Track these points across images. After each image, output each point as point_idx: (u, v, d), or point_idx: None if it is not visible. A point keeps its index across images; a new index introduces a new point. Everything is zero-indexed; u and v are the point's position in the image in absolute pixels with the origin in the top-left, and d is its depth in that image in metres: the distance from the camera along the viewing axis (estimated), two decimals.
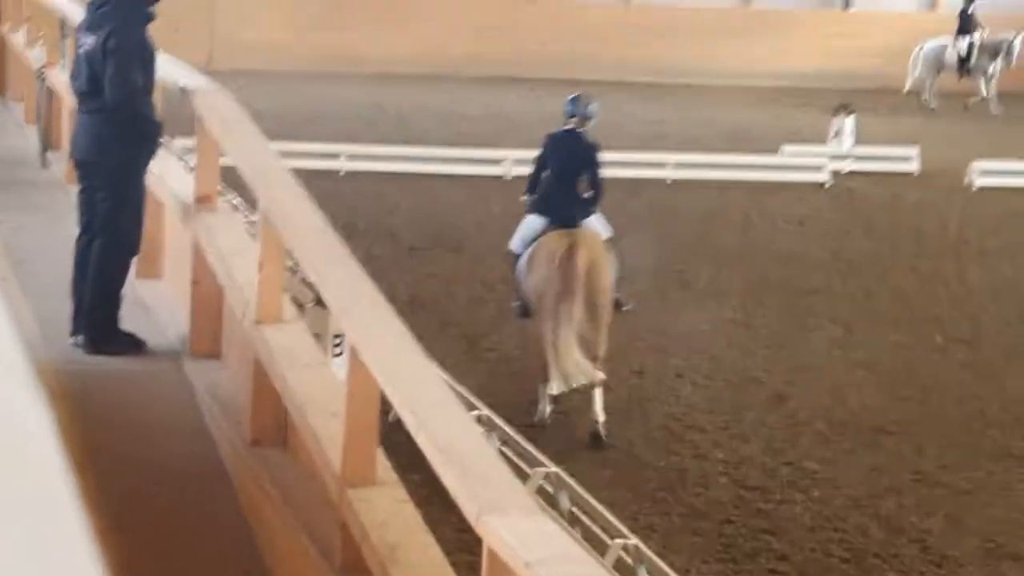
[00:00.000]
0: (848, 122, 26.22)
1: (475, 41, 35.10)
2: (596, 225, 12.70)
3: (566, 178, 12.62)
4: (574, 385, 11.93)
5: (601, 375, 12.02)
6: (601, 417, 12.06)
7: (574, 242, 12.09)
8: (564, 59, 35.56)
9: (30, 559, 1.21)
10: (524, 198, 13.18)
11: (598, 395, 12.12)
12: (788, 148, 25.52)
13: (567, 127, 12.96)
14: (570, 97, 13.29)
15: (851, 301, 16.91)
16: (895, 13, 38.17)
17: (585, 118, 12.90)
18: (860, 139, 26.77)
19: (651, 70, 35.70)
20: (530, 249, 12.39)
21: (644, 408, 12.95)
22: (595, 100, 13.16)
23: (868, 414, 13.16)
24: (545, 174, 12.82)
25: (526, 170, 22.65)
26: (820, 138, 27.15)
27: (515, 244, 12.80)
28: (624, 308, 13.03)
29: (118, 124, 8.97)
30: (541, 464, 10.56)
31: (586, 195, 12.66)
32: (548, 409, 12.31)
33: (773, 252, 19.03)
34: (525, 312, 12.70)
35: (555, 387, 12.00)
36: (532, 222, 12.60)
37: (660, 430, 12.45)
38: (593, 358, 12.04)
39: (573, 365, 11.84)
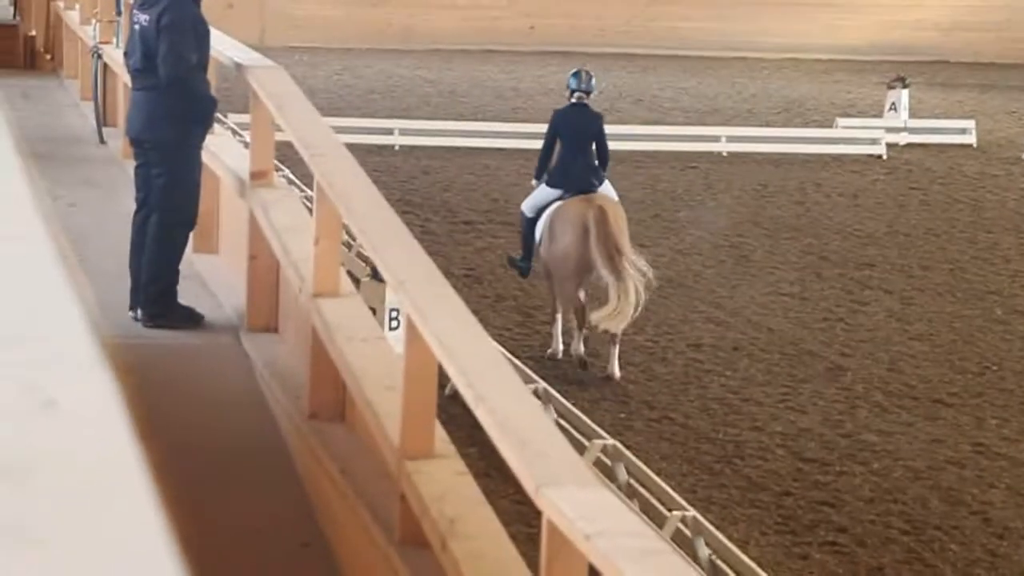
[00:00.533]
0: (903, 95, 26.02)
1: (529, 15, 35.03)
2: (609, 190, 13.33)
3: (578, 148, 13.30)
4: (628, 319, 12.51)
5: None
6: (618, 374, 12.69)
7: (603, 209, 12.66)
8: (617, 33, 35.48)
9: (100, 531, 1.21)
10: (533, 182, 13.90)
11: (615, 352, 12.76)
12: (843, 121, 25.36)
13: (573, 101, 13.67)
14: (572, 72, 14.02)
15: (908, 274, 16.81)
16: None
17: (588, 92, 13.64)
18: (916, 112, 26.58)
19: (704, 44, 35.55)
20: (550, 214, 12.96)
21: (701, 381, 12.92)
22: (595, 75, 14.06)
23: (926, 386, 13.09)
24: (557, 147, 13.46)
25: None
26: (875, 111, 26.97)
27: (527, 208, 13.41)
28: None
29: (172, 101, 8.99)
30: (598, 436, 10.56)
31: (596, 163, 13.35)
32: (581, 345, 12.93)
33: (829, 225, 18.93)
34: (525, 271, 13.52)
35: (610, 325, 12.52)
36: (546, 192, 13.17)
37: (717, 403, 12.42)
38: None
39: (629, 310, 12.42)
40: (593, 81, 13.79)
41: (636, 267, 12.62)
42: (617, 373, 12.69)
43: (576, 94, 13.68)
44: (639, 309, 12.54)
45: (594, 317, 12.62)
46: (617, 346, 12.74)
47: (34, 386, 1.32)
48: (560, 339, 13.11)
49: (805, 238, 18.14)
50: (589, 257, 12.54)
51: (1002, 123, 27.29)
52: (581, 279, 12.79)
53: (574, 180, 13.07)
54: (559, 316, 13.10)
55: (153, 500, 1.21)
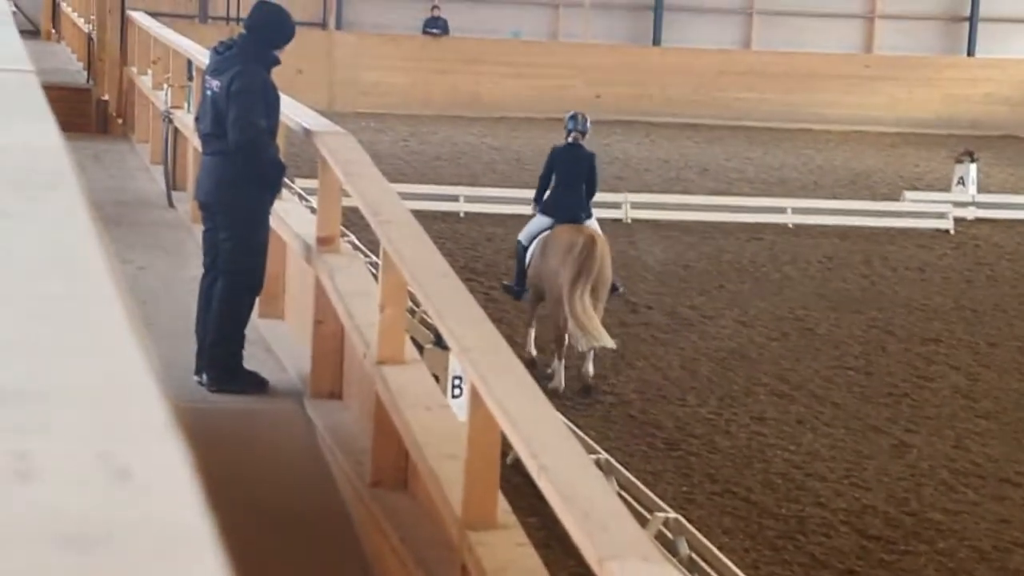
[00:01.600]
0: (972, 169, 25.90)
1: (595, 85, 35.14)
2: (595, 224, 14.60)
3: (571, 183, 14.55)
4: (595, 345, 13.64)
5: (611, 343, 13.74)
6: (591, 374, 14.01)
7: (590, 235, 13.94)
8: (684, 104, 35.55)
9: None
10: (532, 208, 15.20)
11: (591, 357, 13.98)
12: (910, 195, 25.25)
13: (569, 141, 14.83)
14: (569, 115, 15.04)
15: (974, 350, 16.65)
16: (1022, 60, 37.68)
17: (583, 132, 14.82)
18: (984, 187, 26.44)
19: (771, 115, 35.56)
20: (540, 241, 14.30)
21: (764, 455, 12.82)
22: (589, 117, 15.17)
23: (993, 465, 12.92)
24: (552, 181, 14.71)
25: (644, 214, 22.83)
26: (943, 185, 26.85)
27: (523, 237, 14.81)
28: (619, 291, 15.16)
29: (241, 166, 9.06)
30: (660, 509, 10.48)
31: (585, 198, 14.61)
32: (562, 378, 13.98)
33: (895, 299, 18.81)
34: (519, 294, 14.87)
35: (583, 344, 13.66)
36: (540, 220, 14.53)
37: (780, 477, 12.31)
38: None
39: (595, 330, 13.56)
40: (588, 123, 14.93)
41: (604, 300, 14.01)
42: (592, 372, 14.00)
43: (572, 134, 14.79)
44: (600, 334, 13.63)
45: (571, 329, 13.68)
46: (592, 352, 13.94)
47: (107, 453, 1.32)
48: (532, 345, 14.65)
49: (870, 312, 18.02)
50: (575, 277, 13.66)
51: None
52: (563, 294, 13.79)
53: (564, 211, 14.36)
54: (532, 330, 14.68)
55: (224, 569, 1.20)
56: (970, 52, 37.96)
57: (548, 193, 14.61)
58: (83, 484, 1.27)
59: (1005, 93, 36.56)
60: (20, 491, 1.26)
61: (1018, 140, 35.61)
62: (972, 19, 37.86)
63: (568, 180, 14.54)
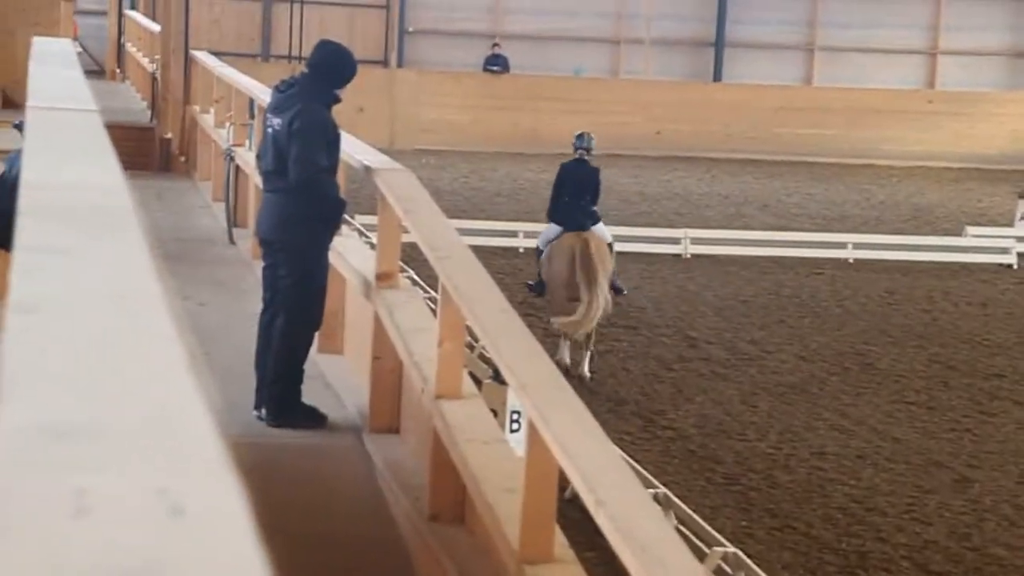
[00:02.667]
0: None
1: (655, 122, 35.17)
2: (602, 229, 16.27)
3: (577, 195, 16.18)
4: (587, 330, 15.52)
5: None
6: (588, 375, 15.63)
7: (587, 240, 15.68)
8: (744, 140, 35.52)
9: None
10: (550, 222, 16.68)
11: (588, 356, 15.80)
12: (973, 230, 25.11)
13: (576, 157, 16.49)
14: (577, 134, 16.76)
15: None
16: None
17: (588, 150, 16.49)
18: None
19: (833, 150, 35.47)
20: (552, 246, 16.02)
21: (825, 490, 12.76)
22: (594, 136, 16.86)
23: None
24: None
25: (704, 249, 22.81)
26: (1006, 220, 26.68)
27: (540, 243, 16.53)
28: (623, 292, 17.09)
29: (302, 204, 9.13)
30: (719, 544, 10.45)
31: (592, 206, 16.23)
32: (567, 355, 15.71)
33: (957, 334, 18.70)
34: (540, 291, 16.39)
35: (570, 329, 15.45)
36: (552, 228, 16.22)
37: (841, 512, 12.25)
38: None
39: (590, 323, 15.33)
40: (593, 141, 16.62)
41: (604, 293, 15.50)
42: (587, 374, 15.62)
43: (579, 151, 16.50)
44: (595, 323, 15.50)
45: (559, 322, 15.42)
46: (590, 351, 15.80)
47: (163, 491, 1.35)
48: (566, 352, 15.88)
49: (932, 347, 17.92)
50: (573, 277, 15.51)
51: None
52: (568, 293, 15.59)
53: (572, 220, 15.99)
54: (558, 320, 15.68)
55: None
56: None
57: (560, 203, 16.24)
58: (138, 520, 1.30)
59: None
60: (77, 527, 1.29)
61: None
62: None
63: (575, 192, 16.19)
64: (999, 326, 19.30)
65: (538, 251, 16.56)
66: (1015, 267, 23.30)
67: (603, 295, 15.45)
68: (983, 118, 36.27)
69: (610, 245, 16.33)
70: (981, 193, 31.77)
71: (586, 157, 16.44)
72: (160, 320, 1.77)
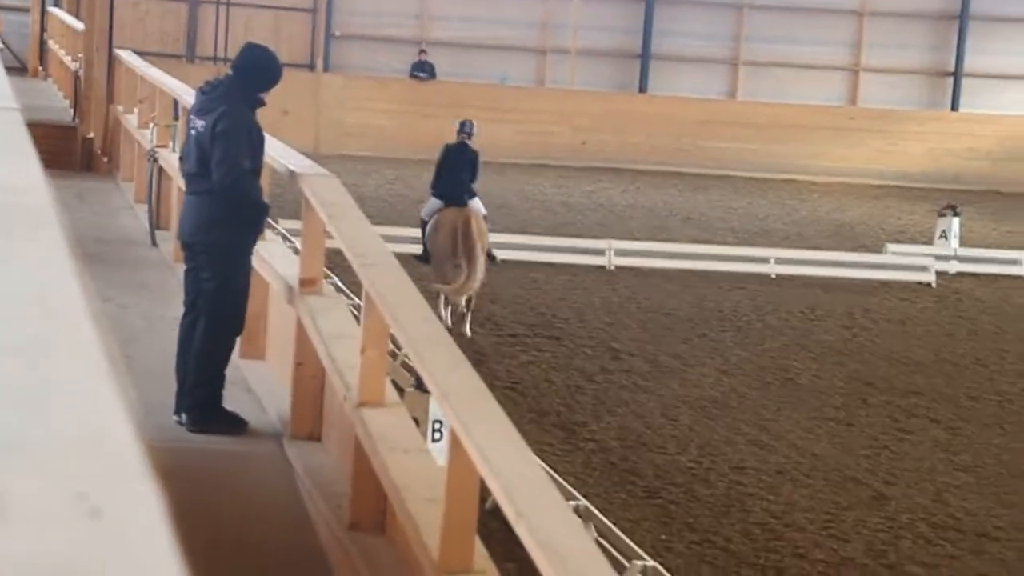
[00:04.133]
0: (955, 223, 26.01)
1: (581, 132, 35.27)
2: (478, 204, 18.23)
3: (457, 173, 18.15)
4: (467, 295, 17.79)
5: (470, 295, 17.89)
6: (469, 333, 17.73)
7: (468, 217, 17.70)
8: (669, 152, 35.69)
9: None
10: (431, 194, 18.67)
11: (469, 317, 18.05)
12: (893, 247, 25.34)
13: (458, 141, 18.45)
14: (460, 121, 18.90)
15: (955, 403, 16.67)
16: (1004, 116, 37.93)
17: (470, 134, 18.50)
18: (966, 241, 26.55)
19: (755, 165, 35.72)
20: (434, 219, 17.94)
21: (744, 504, 12.80)
22: (476, 123, 19.01)
23: (972, 519, 12.92)
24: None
25: (627, 261, 22.88)
26: (926, 238, 26.96)
27: (424, 215, 18.46)
28: (496, 261, 18.83)
29: (224, 206, 9.06)
30: (638, 557, 10.45)
31: (470, 184, 18.16)
32: (447, 316, 17.76)
33: (876, 351, 18.84)
34: (426, 260, 18.07)
35: (451, 293, 17.60)
36: (435, 202, 18.18)
37: (759, 527, 12.29)
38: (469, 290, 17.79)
39: (468, 291, 17.60)
40: (476, 128, 18.73)
41: (481, 264, 17.61)
42: (468, 333, 17.70)
43: (461, 135, 18.48)
44: (475, 289, 17.69)
45: (443, 289, 17.49)
46: (470, 314, 18.03)
47: (81, 494, 1.32)
48: (446, 313, 17.89)
49: (852, 363, 18.05)
50: (456, 249, 17.48)
51: None
52: (451, 262, 17.57)
53: (452, 195, 17.97)
54: (440, 287, 17.63)
55: None
56: (954, 107, 38.17)
57: (441, 180, 18.25)
58: (55, 524, 1.28)
59: (988, 148, 36.76)
60: None
61: (1000, 195, 35.79)
62: (956, 74, 38.09)
63: (456, 170, 18.17)
64: (917, 344, 19.46)
65: (423, 222, 18.44)
66: (934, 285, 23.53)
67: (481, 266, 17.63)
68: (904, 136, 36.64)
69: (485, 217, 18.33)
70: (901, 211, 32.07)
71: (467, 141, 18.42)
72: (80, 322, 1.72)
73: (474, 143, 18.58)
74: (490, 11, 36.82)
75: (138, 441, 1.46)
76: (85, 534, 1.28)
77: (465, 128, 18.66)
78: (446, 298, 17.84)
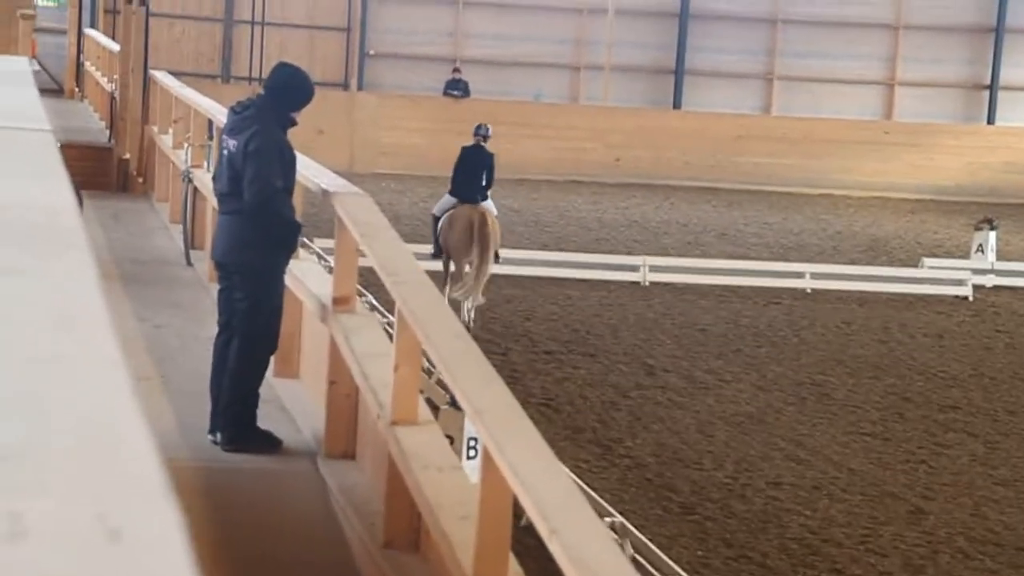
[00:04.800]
0: (991, 236, 25.88)
1: (614, 148, 35.26)
2: (490, 204, 19.22)
3: (473, 173, 19.16)
4: (471, 296, 18.45)
5: (482, 299, 18.80)
6: (472, 324, 18.25)
7: (483, 214, 18.60)
8: (703, 168, 35.64)
9: None
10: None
11: (475, 311, 18.66)
12: (929, 261, 25.24)
13: (474, 143, 19.47)
14: (477, 124, 19.85)
15: (993, 417, 16.58)
16: None
17: (486, 137, 19.48)
18: (1003, 254, 26.42)
19: (791, 180, 35.63)
20: (448, 215, 18.87)
21: (780, 520, 12.76)
22: (490, 126, 19.90)
23: (1011, 533, 12.84)
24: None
25: (662, 277, 22.85)
26: (962, 252, 26.83)
27: (436, 211, 19.40)
28: (498, 259, 19.44)
29: (257, 226, 9.07)
30: (675, 573, 10.43)
31: (484, 185, 19.14)
32: (469, 316, 18.39)
33: (913, 366, 18.76)
34: (438, 255, 18.99)
35: (460, 296, 18.29)
36: (448, 199, 19.14)
37: (796, 543, 12.25)
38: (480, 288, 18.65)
39: (476, 291, 18.32)
40: (490, 130, 19.67)
41: (490, 262, 18.47)
42: (472, 323, 18.35)
43: (477, 138, 19.47)
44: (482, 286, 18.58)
45: (454, 293, 18.13)
46: (475, 305, 18.69)
47: (101, 515, 1.32)
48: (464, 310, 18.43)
49: (888, 378, 17.97)
50: (470, 245, 18.34)
51: None
52: (464, 258, 18.51)
53: (466, 194, 18.92)
54: (447, 287, 18.34)
55: None
56: (990, 120, 38.00)
57: (457, 180, 19.23)
58: (74, 545, 1.27)
59: (1023, 161, 36.58)
60: (11, 551, 1.26)
61: None
62: (992, 87, 37.93)
63: (471, 171, 19.17)
64: (954, 358, 19.37)
65: (434, 218, 19.34)
66: (971, 299, 23.42)
67: (489, 265, 18.55)
68: (940, 150, 36.50)
69: (496, 218, 19.36)
70: (937, 225, 31.94)
71: (483, 144, 19.41)
72: (105, 342, 1.73)
73: (490, 146, 19.54)
74: (523, 28, 36.87)
75: (160, 460, 1.46)
76: (104, 557, 1.27)
77: (480, 131, 19.58)
78: (471, 293, 18.51)
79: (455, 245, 18.61)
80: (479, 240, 18.34)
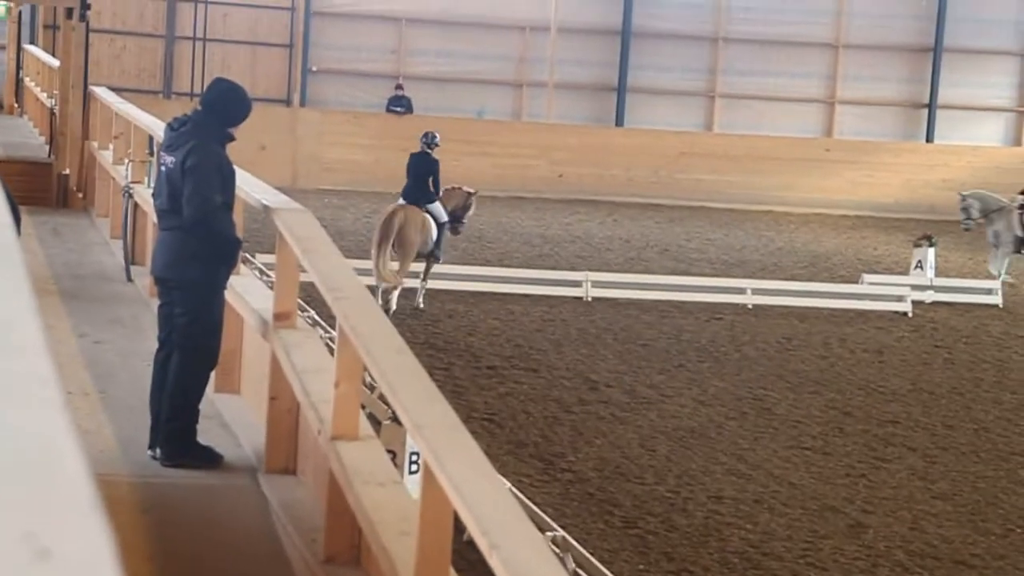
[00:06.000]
0: (930, 253, 26.09)
1: (558, 165, 35.35)
2: (438, 209, 21.19)
3: (418, 178, 21.17)
4: (387, 282, 20.28)
5: (402, 283, 20.78)
6: (393, 310, 20.12)
7: (409, 215, 20.56)
8: (645, 184, 35.78)
9: None
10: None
11: (394, 298, 20.58)
12: (869, 277, 25.41)
13: (422, 150, 21.36)
14: (424, 132, 21.76)
15: (931, 432, 16.71)
16: (979, 147, 38.13)
17: (430, 144, 21.33)
18: (942, 271, 26.63)
19: (732, 196, 35.81)
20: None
21: (721, 534, 12.81)
22: (437, 134, 21.71)
23: (948, 546, 12.95)
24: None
25: (605, 292, 22.91)
26: (902, 268, 27.04)
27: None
28: (439, 260, 21.43)
29: (196, 241, 9.05)
30: None
31: (429, 189, 21.13)
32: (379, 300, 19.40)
33: (853, 381, 18.88)
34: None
35: (377, 283, 19.89)
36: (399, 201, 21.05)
37: (737, 556, 12.30)
38: (398, 274, 20.53)
39: (387, 277, 20.20)
40: (437, 138, 21.51)
41: (388, 255, 20.13)
42: (393, 308, 20.28)
43: (423, 145, 21.36)
44: (392, 277, 20.32)
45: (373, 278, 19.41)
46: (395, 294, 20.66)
47: (29, 535, 1.32)
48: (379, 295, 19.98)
49: (829, 393, 18.08)
50: (383, 239, 20.14)
51: None
52: (377, 249, 20.12)
53: (410, 197, 20.97)
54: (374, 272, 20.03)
55: None
56: (928, 138, 38.33)
57: (405, 185, 21.14)
58: (1, 565, 1.27)
59: (963, 179, 36.87)
60: None
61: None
62: (931, 106, 38.27)
63: (416, 176, 21.12)
64: (894, 373, 19.51)
65: None
66: (910, 315, 23.59)
67: (387, 257, 20.08)
68: (879, 167, 36.78)
69: (445, 224, 21.26)
70: (877, 241, 32.18)
71: (428, 150, 21.24)
72: (36, 358, 1.73)
73: (436, 153, 21.35)
74: (467, 45, 36.91)
75: (91, 478, 1.46)
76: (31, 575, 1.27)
77: (428, 139, 21.46)
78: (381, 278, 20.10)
79: (375, 237, 20.46)
80: (395, 237, 20.19)
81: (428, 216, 21.03)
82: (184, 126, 9.24)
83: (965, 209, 27.61)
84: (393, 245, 20.28)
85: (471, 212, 22.53)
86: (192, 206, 8.99)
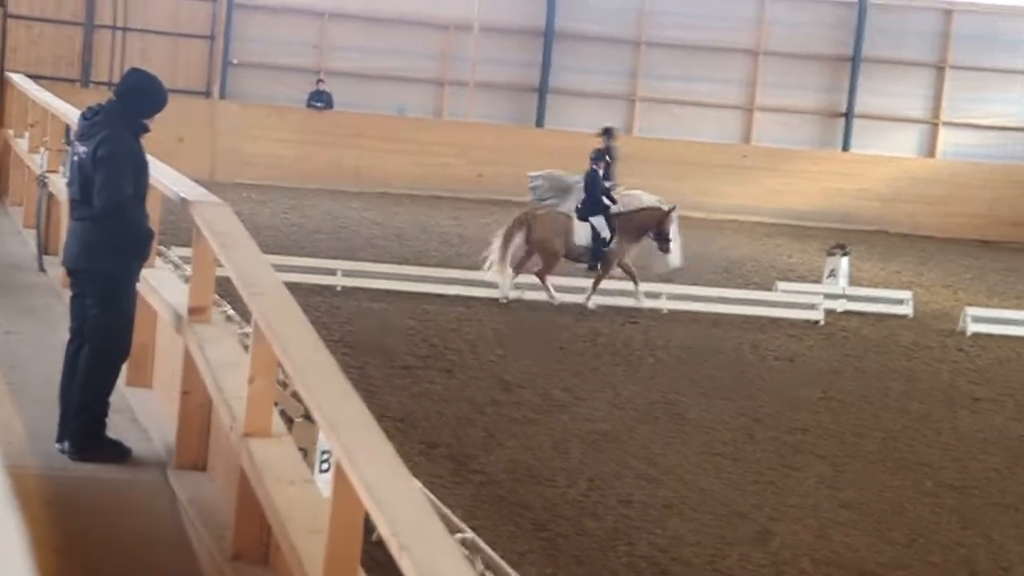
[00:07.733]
0: (843, 262, 26.33)
1: (477, 164, 35.36)
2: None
3: None
4: None
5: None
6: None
7: None
8: None
9: None
10: None
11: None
12: (782, 285, 25.60)
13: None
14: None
15: (840, 440, 16.85)
16: (895, 157, 38.52)
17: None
18: (854, 280, 26.87)
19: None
20: None
21: (631, 538, 12.86)
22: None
23: (854, 555, 13.06)
24: None
25: (521, 293, 22.91)
26: (815, 277, 27.25)
27: None
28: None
29: (108, 232, 8.98)
30: None
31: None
32: None
33: (764, 387, 19.01)
34: None
35: None
36: None
37: (646, 561, 12.35)
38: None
39: None
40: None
41: None
42: None
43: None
44: None
45: None
46: None
47: None
48: None
49: (740, 399, 18.19)
50: None
51: (938, 295, 27.64)
52: None
53: None
54: None
55: None
56: (845, 147, 38.68)
57: None
58: None
59: (878, 189, 37.27)
60: None
61: (889, 235, 36.28)
62: (848, 115, 38.60)
63: None
64: (805, 381, 19.66)
65: None
66: (822, 323, 23.79)
67: None
68: (797, 175, 37.07)
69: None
70: (792, 249, 32.42)
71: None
72: None
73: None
74: (388, 42, 36.83)
75: (2, 472, 1.46)
76: None
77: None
78: None
79: None
80: None
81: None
82: (97, 115, 9.17)
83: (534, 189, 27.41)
84: None
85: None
86: (103, 197, 8.92)
